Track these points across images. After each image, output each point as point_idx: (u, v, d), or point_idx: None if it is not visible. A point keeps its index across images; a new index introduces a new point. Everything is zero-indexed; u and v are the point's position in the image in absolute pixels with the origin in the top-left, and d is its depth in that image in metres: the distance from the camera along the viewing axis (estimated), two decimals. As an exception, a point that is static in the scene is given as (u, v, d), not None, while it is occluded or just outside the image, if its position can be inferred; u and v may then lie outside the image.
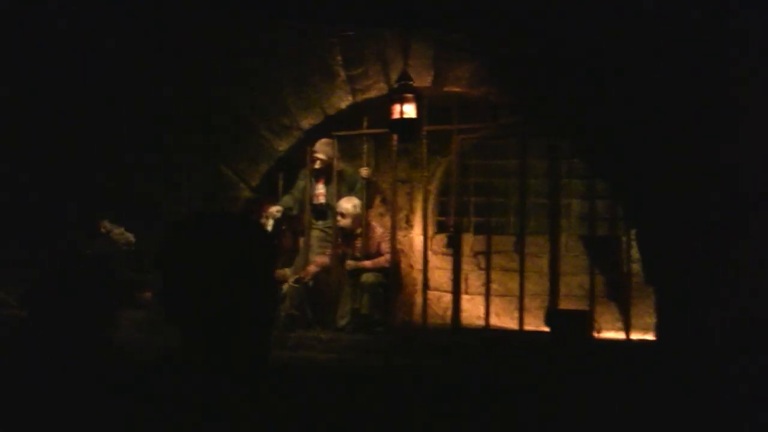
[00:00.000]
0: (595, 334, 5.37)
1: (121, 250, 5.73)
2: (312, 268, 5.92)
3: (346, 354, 5.23)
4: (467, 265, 6.66)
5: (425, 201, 6.19)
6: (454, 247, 5.55)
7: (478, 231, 7.10)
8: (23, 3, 5.24)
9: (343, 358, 5.15)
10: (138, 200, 5.60)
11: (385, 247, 5.80)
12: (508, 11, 4.99)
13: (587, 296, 6.21)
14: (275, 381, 4.17)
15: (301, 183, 6.13)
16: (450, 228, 5.91)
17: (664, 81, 4.69)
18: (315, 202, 6.10)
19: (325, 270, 5.95)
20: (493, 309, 5.58)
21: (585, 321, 5.01)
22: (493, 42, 5.13)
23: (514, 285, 6.52)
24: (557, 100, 5.00)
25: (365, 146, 5.91)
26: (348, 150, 6.51)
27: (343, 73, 5.47)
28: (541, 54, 5.02)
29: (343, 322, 5.78)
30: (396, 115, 5.02)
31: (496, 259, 5.94)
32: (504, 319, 6.74)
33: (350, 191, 6.05)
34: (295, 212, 6.17)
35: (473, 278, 7.00)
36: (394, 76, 5.28)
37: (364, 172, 5.91)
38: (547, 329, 5.94)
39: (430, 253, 5.97)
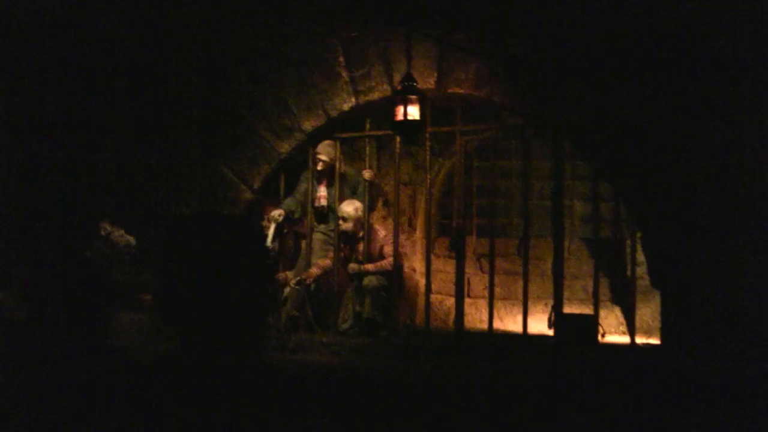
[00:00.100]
0: (600, 338, 5.33)
1: (121, 252, 5.69)
2: (314, 271, 5.88)
3: (349, 357, 5.20)
4: (469, 269, 6.63)
5: (428, 203, 6.14)
6: (458, 250, 5.50)
7: (480, 234, 7.07)
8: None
9: (346, 362, 5.11)
10: (139, 202, 5.56)
11: (388, 250, 5.76)
12: (512, 12, 4.96)
13: (590, 299, 6.18)
14: (275, 383, 4.14)
15: (303, 185, 6.09)
16: (455, 230, 5.86)
17: (668, 82, 4.66)
18: (317, 204, 6.06)
19: (327, 273, 5.91)
20: (496, 312, 5.54)
21: (590, 325, 4.97)
22: (496, 43, 5.10)
23: (517, 288, 6.50)
24: (561, 102, 4.97)
25: (368, 148, 5.87)
26: (350, 152, 6.48)
27: (345, 75, 5.43)
28: (545, 55, 4.99)
29: (345, 326, 5.74)
30: (399, 117, 4.98)
31: (499, 262, 5.90)
32: (507, 323, 6.71)
33: (352, 194, 6.01)
34: (297, 215, 6.13)
35: (476, 281, 6.97)
36: (397, 78, 5.25)
37: (367, 174, 5.87)
38: (550, 333, 5.91)
39: (432, 256, 5.92)
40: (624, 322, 6.41)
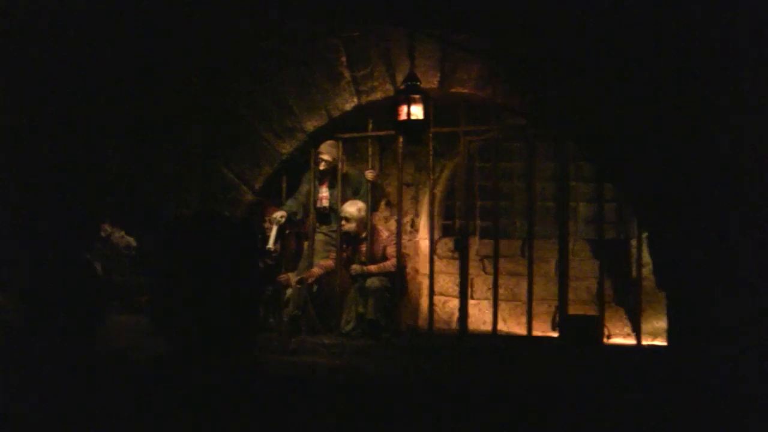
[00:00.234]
0: (605, 340, 5.29)
1: (121, 253, 5.66)
2: (316, 271, 5.84)
3: (352, 359, 5.15)
4: (473, 270, 6.60)
5: (431, 204, 6.10)
6: (461, 251, 5.46)
7: (483, 235, 7.04)
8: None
9: (348, 364, 5.07)
10: (139, 203, 5.52)
11: (391, 251, 5.72)
12: (516, 12, 4.92)
13: (594, 301, 6.15)
14: (268, 385, 4.11)
15: (305, 187, 6.05)
16: (458, 231, 5.83)
17: (674, 82, 4.63)
18: (319, 205, 6.02)
19: (329, 273, 5.87)
20: (499, 314, 5.50)
21: (595, 326, 4.93)
22: (500, 43, 5.06)
23: (520, 290, 6.47)
24: (564, 102, 4.93)
25: (370, 148, 5.83)
26: (352, 153, 6.44)
27: (347, 74, 5.39)
28: (549, 55, 4.95)
29: (348, 327, 5.69)
30: (403, 117, 4.93)
31: (503, 264, 5.86)
32: (511, 325, 6.67)
33: (355, 194, 5.97)
34: (299, 216, 6.09)
35: (479, 283, 6.93)
36: (399, 78, 5.21)
37: (369, 174, 5.82)
38: (554, 334, 5.87)
39: (435, 257, 5.89)
40: (629, 324, 6.37)
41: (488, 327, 6.24)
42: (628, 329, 6.38)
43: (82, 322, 4.53)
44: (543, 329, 6.16)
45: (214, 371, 4.03)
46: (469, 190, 5.96)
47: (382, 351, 5.28)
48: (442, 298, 6.93)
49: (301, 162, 5.90)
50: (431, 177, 5.77)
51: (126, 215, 5.50)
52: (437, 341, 5.50)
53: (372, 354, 5.24)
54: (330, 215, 6.07)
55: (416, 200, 6.98)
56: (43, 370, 3.99)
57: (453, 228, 7.12)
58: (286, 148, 5.54)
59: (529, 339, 5.26)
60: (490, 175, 6.76)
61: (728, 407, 3.84)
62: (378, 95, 5.33)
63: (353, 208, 5.75)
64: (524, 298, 5.47)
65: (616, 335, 6.20)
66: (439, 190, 6.92)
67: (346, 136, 5.78)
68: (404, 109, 4.93)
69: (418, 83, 4.98)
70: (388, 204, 6.85)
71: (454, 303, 6.73)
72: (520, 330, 6.05)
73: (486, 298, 6.72)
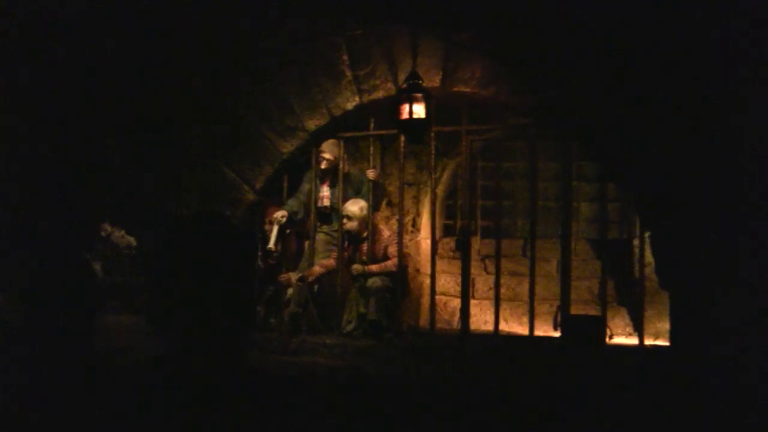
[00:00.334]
0: (608, 340, 5.27)
1: (121, 253, 5.64)
2: (317, 269, 5.82)
3: (354, 360, 5.13)
4: (474, 270, 6.58)
5: (433, 204, 6.07)
6: (463, 251, 5.44)
7: (484, 234, 7.02)
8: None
9: (349, 364, 5.04)
10: (139, 203, 5.50)
11: (392, 250, 5.70)
12: (518, 11, 4.91)
13: (596, 301, 6.13)
14: (275, 386, 4.10)
15: (306, 186, 6.03)
16: (459, 231, 5.81)
17: (678, 82, 4.61)
18: (320, 204, 6.00)
19: (330, 273, 5.85)
20: (501, 314, 5.48)
21: (598, 326, 4.91)
22: (503, 41, 5.04)
23: (522, 289, 6.45)
24: (569, 101, 4.90)
25: (371, 148, 5.81)
26: (353, 152, 6.41)
27: (349, 73, 5.36)
28: (552, 54, 4.92)
29: (349, 328, 5.67)
30: (405, 115, 4.90)
31: (504, 263, 5.84)
32: (512, 324, 6.65)
33: (356, 194, 5.96)
34: (300, 216, 6.07)
35: (480, 283, 6.92)
36: (401, 77, 5.18)
37: (371, 174, 5.80)
38: (556, 334, 5.85)
39: (436, 257, 5.85)
40: (630, 323, 6.36)
41: (489, 327, 6.23)
42: (630, 329, 6.37)
43: (78, 321, 4.52)
44: (544, 329, 6.15)
45: (212, 371, 4.03)
46: (471, 189, 5.94)
47: (383, 351, 5.26)
48: (444, 298, 6.91)
49: (302, 161, 5.88)
50: (433, 176, 5.75)
51: (126, 215, 5.47)
52: (439, 341, 5.48)
53: (373, 354, 5.22)
54: (331, 215, 6.05)
55: (417, 200, 6.96)
56: (42, 370, 3.97)
57: (454, 228, 7.11)
58: (288, 147, 5.52)
59: (531, 339, 5.24)
60: (491, 174, 6.75)
61: (731, 407, 3.82)
62: (380, 94, 5.30)
63: (355, 206, 5.73)
64: (526, 297, 5.45)
65: (618, 335, 6.19)
66: (440, 190, 6.90)
67: (348, 135, 5.76)
68: (406, 107, 4.91)
69: (421, 82, 4.96)
70: (389, 203, 6.84)
71: (456, 303, 6.71)
72: (522, 330, 6.03)
73: (487, 298, 6.70)
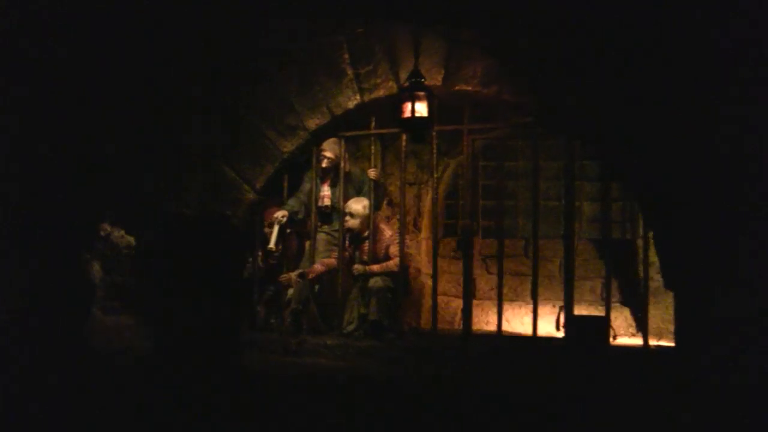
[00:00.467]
0: (612, 340, 5.24)
1: (121, 253, 5.60)
2: (318, 267, 5.80)
3: (355, 360, 5.10)
4: (476, 270, 6.57)
5: (434, 204, 6.04)
6: (465, 251, 5.41)
7: (485, 234, 6.99)
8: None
9: (350, 365, 5.01)
10: (139, 202, 5.46)
11: (394, 250, 5.67)
12: (521, 9, 4.87)
13: (598, 301, 6.10)
14: (274, 388, 4.07)
15: (306, 186, 6.00)
16: (461, 231, 5.78)
17: (684, 80, 4.58)
18: (320, 204, 5.97)
19: (331, 272, 5.82)
20: (503, 314, 5.44)
21: (602, 327, 4.88)
22: (506, 39, 5.00)
23: (524, 289, 6.42)
24: (572, 100, 4.87)
25: (373, 147, 5.77)
26: (354, 152, 6.38)
27: (350, 72, 5.31)
28: (555, 53, 4.89)
29: (350, 328, 5.64)
30: (407, 114, 4.86)
31: (506, 263, 5.81)
32: (514, 325, 6.61)
33: (357, 193, 5.93)
34: (301, 216, 6.04)
35: (482, 283, 6.89)
36: (403, 75, 5.14)
37: (372, 173, 5.77)
38: (559, 334, 5.82)
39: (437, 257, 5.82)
40: (633, 324, 6.33)
41: (491, 327, 6.20)
42: (632, 329, 6.35)
43: (77, 321, 4.50)
44: (547, 329, 6.11)
45: (205, 372, 4.01)
46: (472, 189, 5.91)
47: (385, 352, 5.23)
48: (445, 298, 6.87)
49: (303, 161, 5.84)
50: (435, 176, 5.71)
51: (126, 215, 5.44)
52: (441, 342, 5.45)
53: (375, 355, 5.19)
54: (332, 214, 6.01)
55: (418, 199, 6.93)
56: (39, 372, 3.95)
57: (455, 227, 7.08)
58: (288, 146, 5.47)
59: (534, 339, 5.21)
60: (493, 173, 6.72)
61: (735, 408, 3.80)
62: (381, 93, 5.25)
63: (359, 205, 5.71)
64: (528, 298, 5.43)
65: (621, 335, 6.16)
66: (441, 189, 6.86)
67: (349, 134, 5.72)
68: (408, 106, 4.87)
69: (423, 80, 4.92)
70: (390, 203, 6.80)
71: (457, 303, 6.68)
72: (524, 330, 6.01)
73: (489, 298, 6.67)
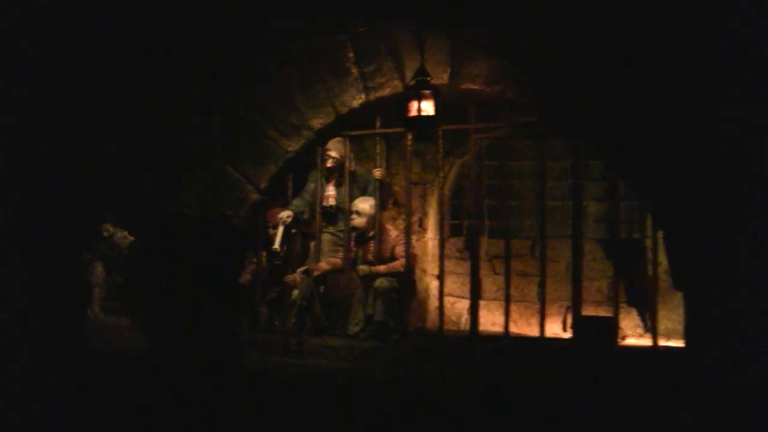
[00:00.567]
0: (620, 341, 5.19)
1: (123, 253, 5.57)
2: (323, 265, 5.76)
3: (360, 362, 5.05)
4: (482, 270, 6.48)
5: (440, 204, 5.99)
6: (471, 251, 5.36)
7: (491, 235, 6.93)
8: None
9: (355, 367, 4.97)
10: (140, 203, 5.43)
11: (400, 250, 5.62)
12: (522, 7, 4.84)
13: (605, 301, 6.04)
14: (274, 389, 4.03)
15: (311, 185, 5.96)
16: (467, 231, 5.74)
17: (684, 80, 4.54)
18: (325, 204, 5.92)
19: (335, 271, 5.78)
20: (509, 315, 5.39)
21: (610, 327, 4.82)
22: (512, 38, 4.96)
23: (530, 290, 6.37)
24: (578, 99, 4.83)
25: (378, 146, 5.73)
26: (359, 151, 6.33)
27: (355, 71, 5.27)
28: (561, 52, 4.85)
29: (356, 329, 5.60)
30: (413, 113, 4.81)
31: (512, 264, 5.75)
32: (521, 325, 6.55)
33: (362, 193, 5.89)
34: (305, 216, 6.00)
35: (488, 283, 6.82)
36: (408, 74, 5.10)
37: (378, 173, 5.73)
38: (566, 335, 5.77)
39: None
40: (641, 324, 6.27)
41: (498, 328, 6.15)
42: (640, 330, 6.29)
43: (77, 321, 4.48)
44: (554, 330, 6.06)
45: (205, 372, 3.99)
46: (478, 188, 5.86)
47: (390, 353, 5.19)
48: (451, 299, 6.82)
49: (307, 161, 5.80)
50: (441, 175, 5.67)
51: (127, 215, 5.41)
52: (447, 343, 5.40)
53: (379, 356, 5.15)
54: (337, 215, 5.97)
55: (424, 199, 6.88)
56: (39, 372, 3.93)
57: (460, 227, 7.02)
58: (292, 146, 5.43)
59: (541, 340, 5.15)
60: (498, 173, 6.66)
61: (742, 408, 3.75)
62: (386, 91, 5.21)
63: (366, 204, 5.67)
64: (534, 298, 5.37)
65: (629, 336, 6.10)
66: (446, 189, 6.82)
67: (354, 133, 5.68)
68: (414, 105, 4.82)
69: (429, 79, 4.87)
70: (396, 203, 6.76)
71: (463, 304, 6.63)
72: (531, 331, 5.95)
73: (495, 299, 6.61)
